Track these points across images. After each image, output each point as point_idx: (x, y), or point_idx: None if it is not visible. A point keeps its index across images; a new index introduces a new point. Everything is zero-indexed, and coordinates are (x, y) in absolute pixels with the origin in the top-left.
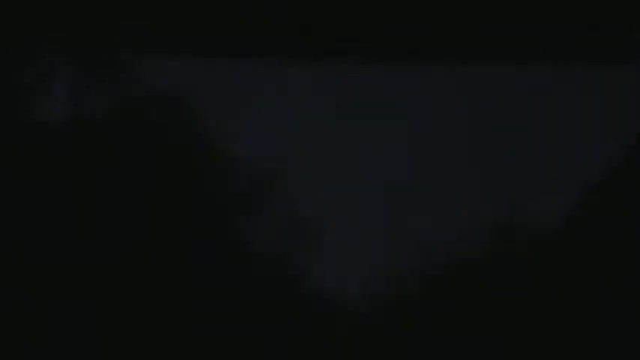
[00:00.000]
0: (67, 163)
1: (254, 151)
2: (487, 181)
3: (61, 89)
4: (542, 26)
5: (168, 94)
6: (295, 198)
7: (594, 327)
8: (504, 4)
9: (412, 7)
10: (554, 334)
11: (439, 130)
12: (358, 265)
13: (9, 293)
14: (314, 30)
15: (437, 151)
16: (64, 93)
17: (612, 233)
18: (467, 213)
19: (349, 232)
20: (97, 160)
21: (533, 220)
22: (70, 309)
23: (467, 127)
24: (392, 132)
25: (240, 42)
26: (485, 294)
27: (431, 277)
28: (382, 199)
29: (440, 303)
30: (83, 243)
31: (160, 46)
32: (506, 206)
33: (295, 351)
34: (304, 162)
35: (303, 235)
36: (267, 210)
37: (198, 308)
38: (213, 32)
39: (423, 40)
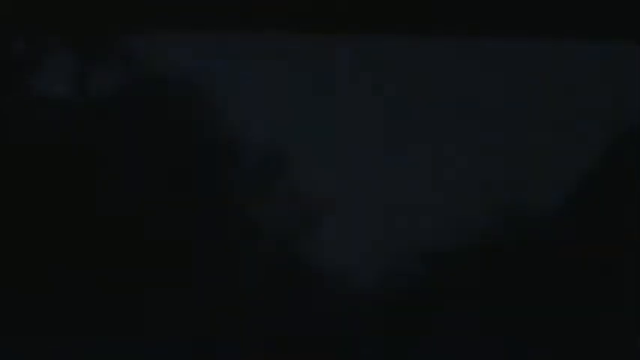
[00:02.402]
0: (71, 145)
1: (260, 133)
2: (487, 167)
3: (65, 71)
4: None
5: (172, 75)
6: (302, 181)
7: (592, 319)
8: None
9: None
10: (551, 325)
11: (439, 119)
12: (363, 246)
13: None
14: (316, 12)
15: (437, 137)
16: (68, 75)
17: (611, 223)
18: (469, 196)
19: (353, 213)
20: (102, 143)
21: (532, 207)
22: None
23: (466, 117)
24: (393, 113)
25: (247, 21)
26: (486, 275)
27: (434, 257)
28: (386, 181)
29: (442, 283)
30: (84, 228)
31: (164, 27)
32: (505, 192)
33: (301, 330)
34: (310, 144)
35: (308, 217)
36: (274, 191)
37: (203, 291)
38: (220, 12)
39: (422, 33)
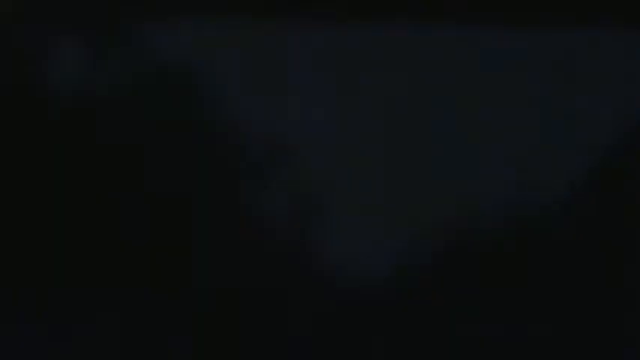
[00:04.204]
0: (77, 133)
1: (264, 121)
2: (494, 156)
3: (72, 58)
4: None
5: (177, 61)
6: (306, 171)
7: (597, 307)
8: None
9: None
10: (555, 312)
11: (445, 105)
12: (366, 239)
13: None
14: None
15: (443, 125)
16: (74, 62)
17: (619, 214)
18: (475, 186)
19: (356, 205)
20: (108, 130)
21: (541, 196)
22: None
23: (474, 100)
24: (398, 100)
25: (253, 5)
26: (494, 268)
27: (440, 251)
28: (390, 171)
29: (448, 275)
30: (90, 222)
31: (169, 12)
32: (514, 182)
33: (303, 323)
34: (312, 134)
35: (312, 209)
36: (277, 181)
37: (205, 280)
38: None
39: (427, 11)
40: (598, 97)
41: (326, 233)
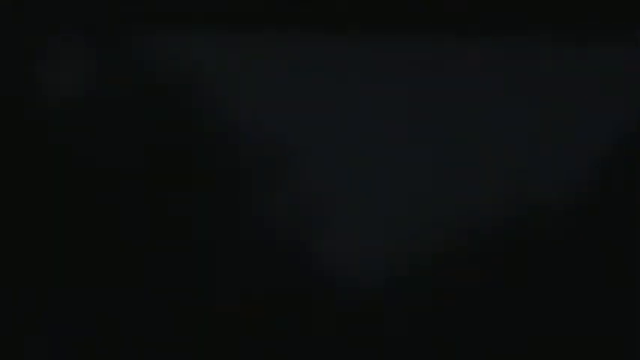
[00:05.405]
0: (81, 142)
1: (266, 127)
2: (496, 156)
3: (74, 68)
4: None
5: (181, 71)
6: (309, 175)
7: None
8: None
9: None
10: (558, 310)
11: (446, 105)
12: (370, 242)
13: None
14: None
15: (445, 125)
16: (77, 71)
17: (618, 212)
18: (477, 187)
19: (359, 210)
20: (111, 138)
21: (542, 193)
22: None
23: (473, 104)
24: (401, 106)
25: (254, 15)
26: (494, 269)
27: (444, 252)
28: (392, 175)
29: (453, 276)
30: (95, 222)
31: (170, 24)
32: (514, 180)
33: (307, 328)
34: (316, 139)
35: (314, 213)
36: (279, 187)
37: (208, 285)
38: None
39: (423, 17)
40: (598, 98)
41: (328, 235)
